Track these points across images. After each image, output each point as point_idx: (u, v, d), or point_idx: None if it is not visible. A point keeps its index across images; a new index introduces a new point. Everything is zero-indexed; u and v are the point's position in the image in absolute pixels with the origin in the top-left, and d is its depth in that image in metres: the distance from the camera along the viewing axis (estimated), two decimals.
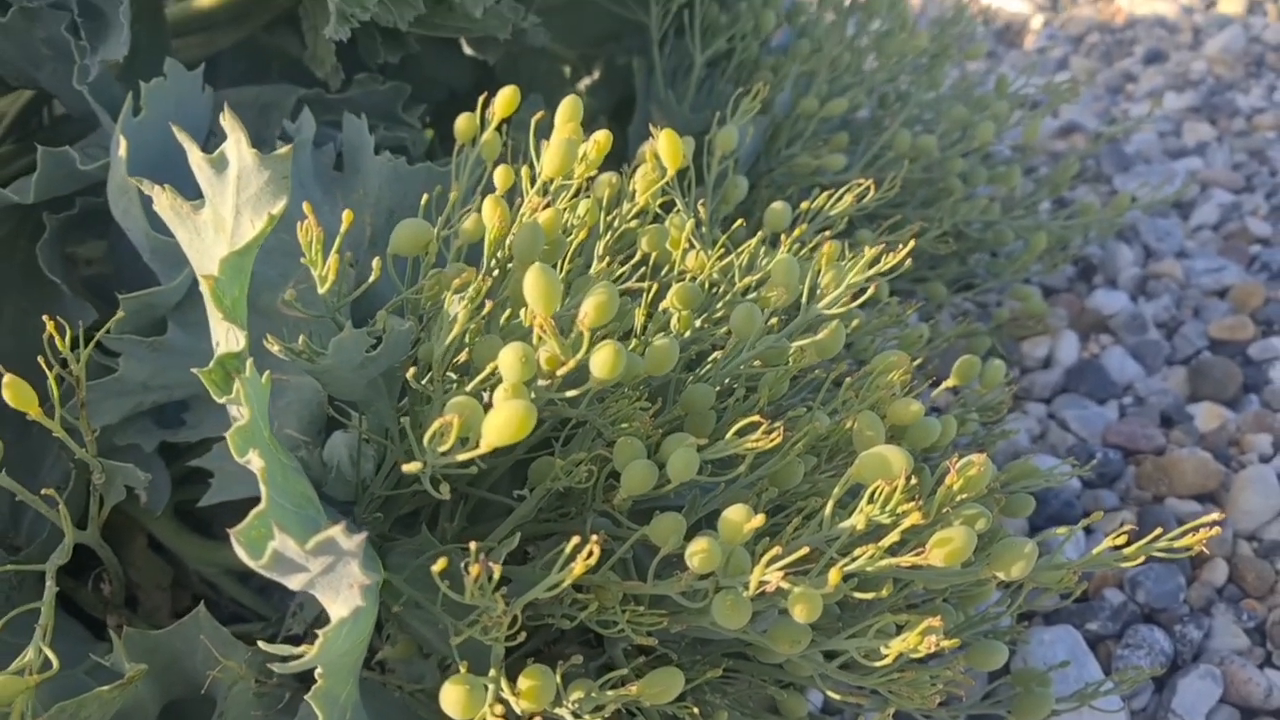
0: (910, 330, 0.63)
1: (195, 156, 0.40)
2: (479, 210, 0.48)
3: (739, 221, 0.54)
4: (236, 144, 0.38)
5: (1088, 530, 0.71)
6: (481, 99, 0.52)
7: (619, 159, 0.55)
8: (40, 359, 0.46)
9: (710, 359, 0.49)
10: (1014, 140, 1.09)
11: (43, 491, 0.46)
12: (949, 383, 0.55)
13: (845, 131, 0.81)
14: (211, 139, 0.66)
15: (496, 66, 0.90)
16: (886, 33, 0.81)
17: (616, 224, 0.52)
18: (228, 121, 0.38)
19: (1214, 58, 1.38)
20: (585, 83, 0.94)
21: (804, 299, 0.46)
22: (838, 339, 0.46)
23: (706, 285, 0.50)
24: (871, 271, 0.44)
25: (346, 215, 0.39)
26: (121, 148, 0.50)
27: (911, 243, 0.45)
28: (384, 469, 0.49)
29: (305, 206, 0.38)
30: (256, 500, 0.57)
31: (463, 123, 0.53)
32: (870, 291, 0.45)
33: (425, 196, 0.46)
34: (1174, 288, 0.93)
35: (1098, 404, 0.83)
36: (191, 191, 0.62)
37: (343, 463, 0.52)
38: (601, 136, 0.48)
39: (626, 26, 0.89)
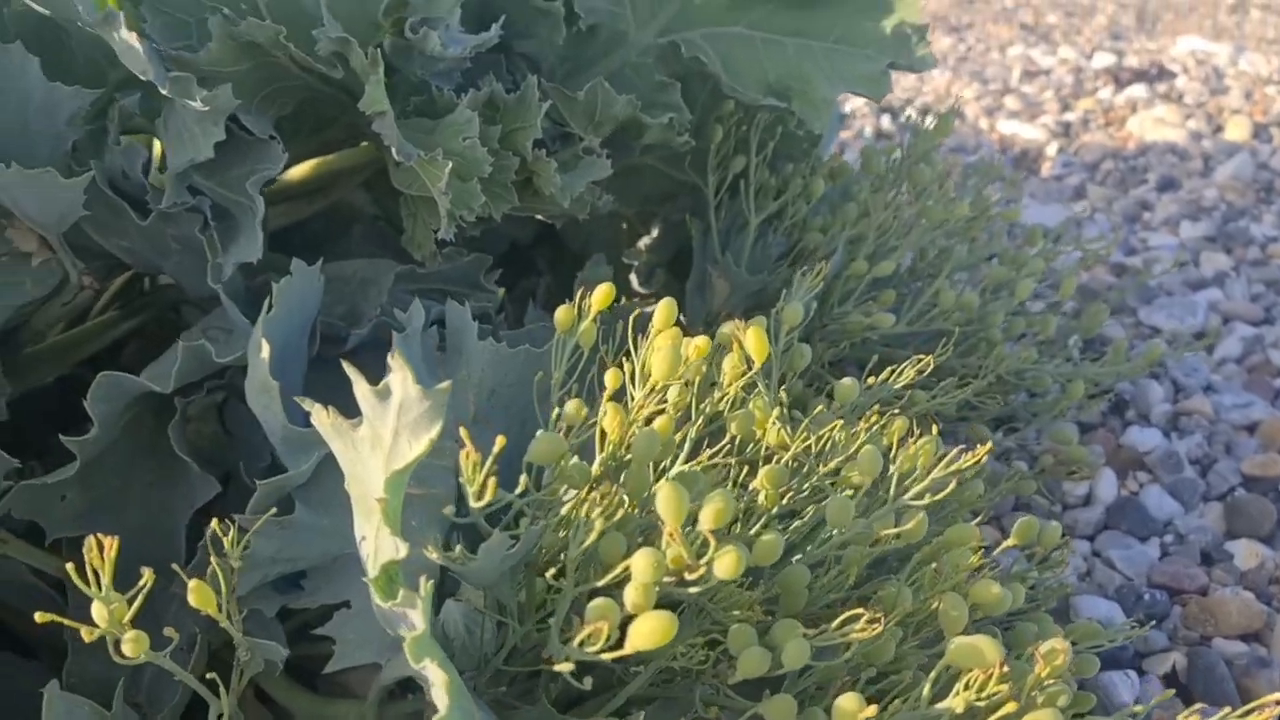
0: (969, 491, 0.68)
1: (362, 389, 0.45)
2: (576, 394, 0.54)
3: (819, 407, 0.59)
4: (402, 380, 0.44)
5: (1141, 672, 0.75)
6: (579, 293, 0.58)
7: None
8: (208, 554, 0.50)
9: (794, 529, 0.54)
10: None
11: (207, 676, 0.51)
12: (1009, 543, 0.60)
13: (892, 288, 0.87)
14: (319, 316, 0.73)
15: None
16: (928, 201, 0.87)
17: (707, 409, 0.57)
18: (396, 361, 0.43)
19: (1225, 185, 1.45)
20: (644, 241, 1.00)
21: (890, 489, 0.52)
22: (922, 528, 0.51)
23: (790, 462, 0.56)
24: (950, 469, 0.49)
25: (500, 440, 0.44)
26: (264, 351, 0.56)
27: (987, 446, 0.50)
28: (506, 645, 0.53)
29: (463, 433, 0.44)
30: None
31: (562, 314, 0.59)
32: (950, 488, 0.50)
33: (555, 412, 0.51)
34: (1205, 424, 0.98)
35: (1140, 541, 0.87)
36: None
37: (460, 634, 0.57)
38: (701, 342, 0.54)
39: (681, 188, 0.96)
